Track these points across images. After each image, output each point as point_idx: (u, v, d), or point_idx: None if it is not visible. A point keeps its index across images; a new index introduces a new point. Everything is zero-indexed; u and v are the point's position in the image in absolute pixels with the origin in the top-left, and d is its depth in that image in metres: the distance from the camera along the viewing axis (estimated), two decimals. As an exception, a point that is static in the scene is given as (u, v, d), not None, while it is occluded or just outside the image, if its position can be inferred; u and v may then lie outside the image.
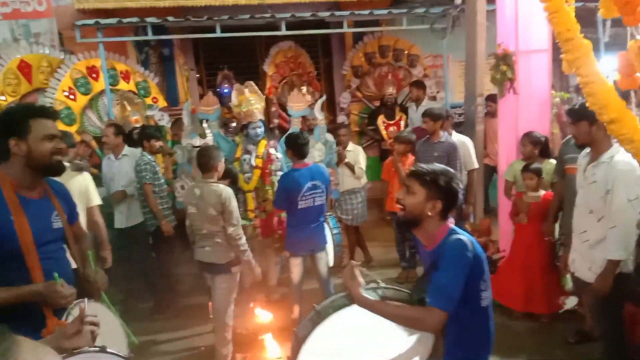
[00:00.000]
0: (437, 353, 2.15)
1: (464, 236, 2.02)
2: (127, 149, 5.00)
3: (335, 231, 4.72)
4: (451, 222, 2.11)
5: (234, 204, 3.72)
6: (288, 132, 4.89)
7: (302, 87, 6.86)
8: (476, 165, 5.20)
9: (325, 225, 4.62)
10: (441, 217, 2.07)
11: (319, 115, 5.46)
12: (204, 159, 3.80)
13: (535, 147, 4.46)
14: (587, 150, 3.15)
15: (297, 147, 4.23)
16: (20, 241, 2.01)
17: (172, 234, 4.96)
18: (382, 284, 2.08)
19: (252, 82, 5.01)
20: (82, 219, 3.83)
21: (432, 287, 1.95)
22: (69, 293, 2.05)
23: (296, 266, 4.37)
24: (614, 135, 2.65)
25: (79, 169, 4.03)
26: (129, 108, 5.84)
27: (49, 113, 2.20)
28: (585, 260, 3.12)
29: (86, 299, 1.96)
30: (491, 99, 6.17)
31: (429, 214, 2.04)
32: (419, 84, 7.07)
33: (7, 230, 2.00)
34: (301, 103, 5.30)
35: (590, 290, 3.04)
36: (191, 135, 5.21)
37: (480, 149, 5.52)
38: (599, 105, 2.59)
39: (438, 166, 2.12)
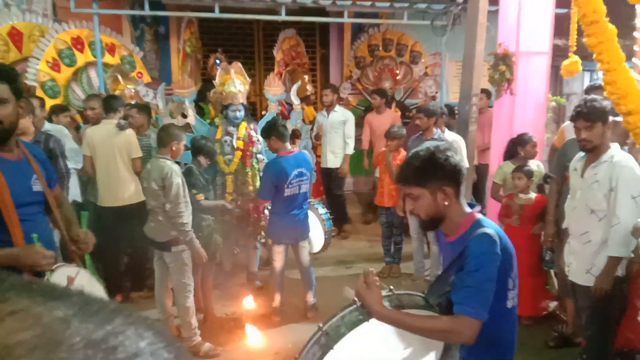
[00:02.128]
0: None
1: (490, 229, 1.80)
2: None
3: (324, 217, 4.69)
4: (477, 211, 1.89)
5: (175, 180, 3.62)
6: (265, 121, 4.87)
7: (304, 76, 6.85)
8: (466, 165, 5.19)
9: (312, 212, 4.58)
10: (458, 198, 1.85)
11: (295, 100, 5.48)
12: (161, 134, 3.82)
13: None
14: (581, 154, 3.14)
15: (279, 131, 4.19)
16: None
17: None
18: (396, 291, 1.78)
19: (239, 63, 4.93)
20: (129, 167, 4.64)
21: (461, 292, 1.71)
22: (48, 254, 2.00)
23: (279, 254, 4.33)
24: (628, 129, 2.59)
25: (122, 128, 4.65)
26: (122, 82, 5.71)
27: (3, 77, 2.08)
28: (584, 263, 3.10)
29: (80, 269, 1.90)
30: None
31: (446, 204, 1.83)
32: (334, 88, 6.79)
33: None
34: (278, 87, 5.29)
35: (592, 291, 3.03)
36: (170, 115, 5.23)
37: (472, 149, 5.50)
38: (618, 95, 2.52)
39: (420, 152, 1.83)
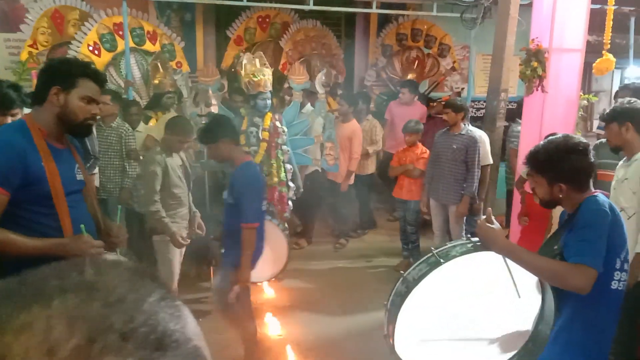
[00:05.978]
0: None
1: (603, 198, 1.95)
2: None
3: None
4: (597, 192, 2.01)
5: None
6: (290, 111, 4.98)
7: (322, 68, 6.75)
8: (490, 161, 5.13)
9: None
10: (577, 191, 1.97)
11: (320, 90, 5.43)
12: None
13: None
14: (624, 158, 3.13)
15: None
16: (51, 187, 2.02)
17: None
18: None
19: (261, 54, 4.91)
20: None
21: (576, 246, 1.83)
22: (97, 243, 2.05)
23: None
24: None
25: None
26: (161, 71, 5.67)
27: (100, 79, 2.20)
28: None
29: (120, 257, 1.93)
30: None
31: (560, 196, 1.96)
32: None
33: (39, 176, 2.00)
34: (302, 76, 5.26)
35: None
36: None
37: (498, 145, 5.44)
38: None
39: (548, 144, 1.99)
